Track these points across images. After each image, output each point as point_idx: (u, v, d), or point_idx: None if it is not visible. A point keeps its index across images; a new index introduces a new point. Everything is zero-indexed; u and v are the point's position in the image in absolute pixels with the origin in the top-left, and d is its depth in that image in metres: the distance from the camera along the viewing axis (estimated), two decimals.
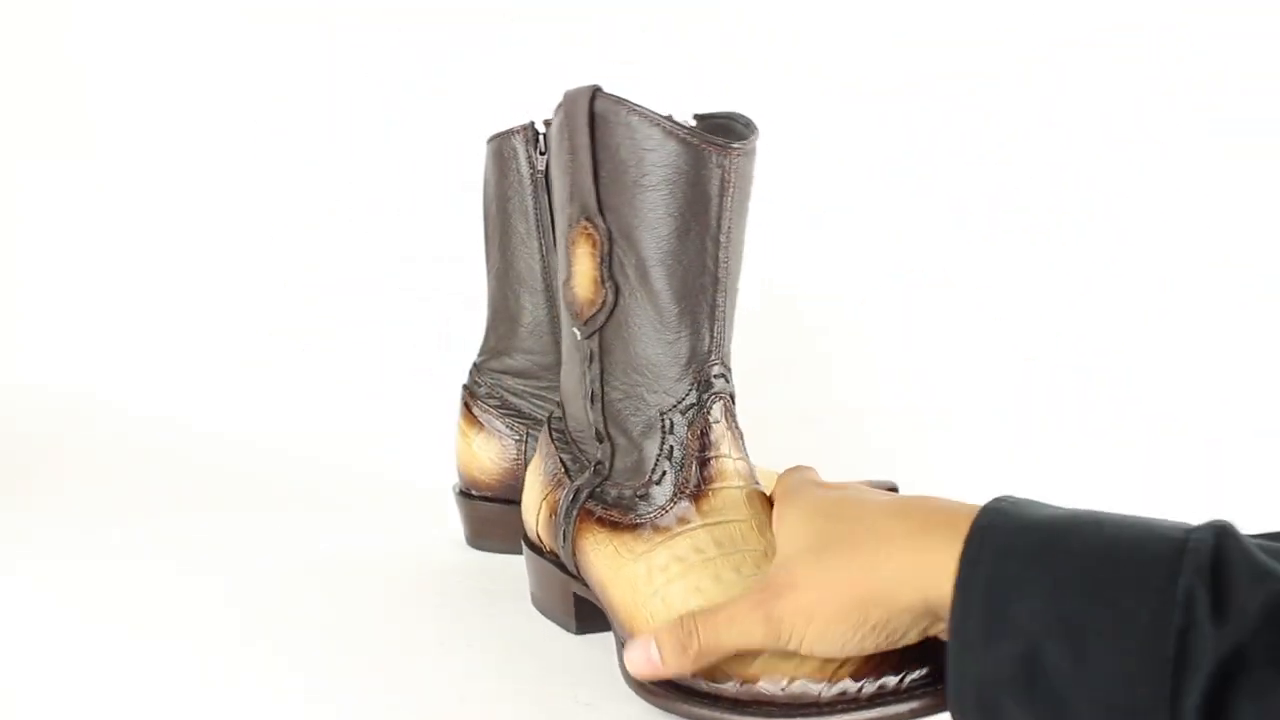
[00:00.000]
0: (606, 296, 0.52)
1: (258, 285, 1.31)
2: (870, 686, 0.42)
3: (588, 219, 0.52)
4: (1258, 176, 0.91)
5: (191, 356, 1.30)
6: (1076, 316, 0.95)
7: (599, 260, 0.52)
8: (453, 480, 0.80)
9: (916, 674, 0.42)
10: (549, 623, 0.60)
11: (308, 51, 1.26)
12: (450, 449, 0.79)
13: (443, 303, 1.15)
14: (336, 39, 1.24)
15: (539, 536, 0.60)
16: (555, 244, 0.60)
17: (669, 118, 0.50)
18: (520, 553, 0.75)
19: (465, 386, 0.78)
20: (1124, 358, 0.94)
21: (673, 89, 0.97)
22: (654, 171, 0.49)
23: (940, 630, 0.41)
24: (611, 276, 0.52)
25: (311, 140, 1.27)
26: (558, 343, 0.75)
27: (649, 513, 0.51)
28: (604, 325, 0.53)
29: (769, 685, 0.44)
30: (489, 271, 0.78)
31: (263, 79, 1.29)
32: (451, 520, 0.80)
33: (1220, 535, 0.34)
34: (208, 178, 1.34)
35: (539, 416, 0.76)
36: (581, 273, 0.53)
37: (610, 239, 0.51)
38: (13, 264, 1.42)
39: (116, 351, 1.33)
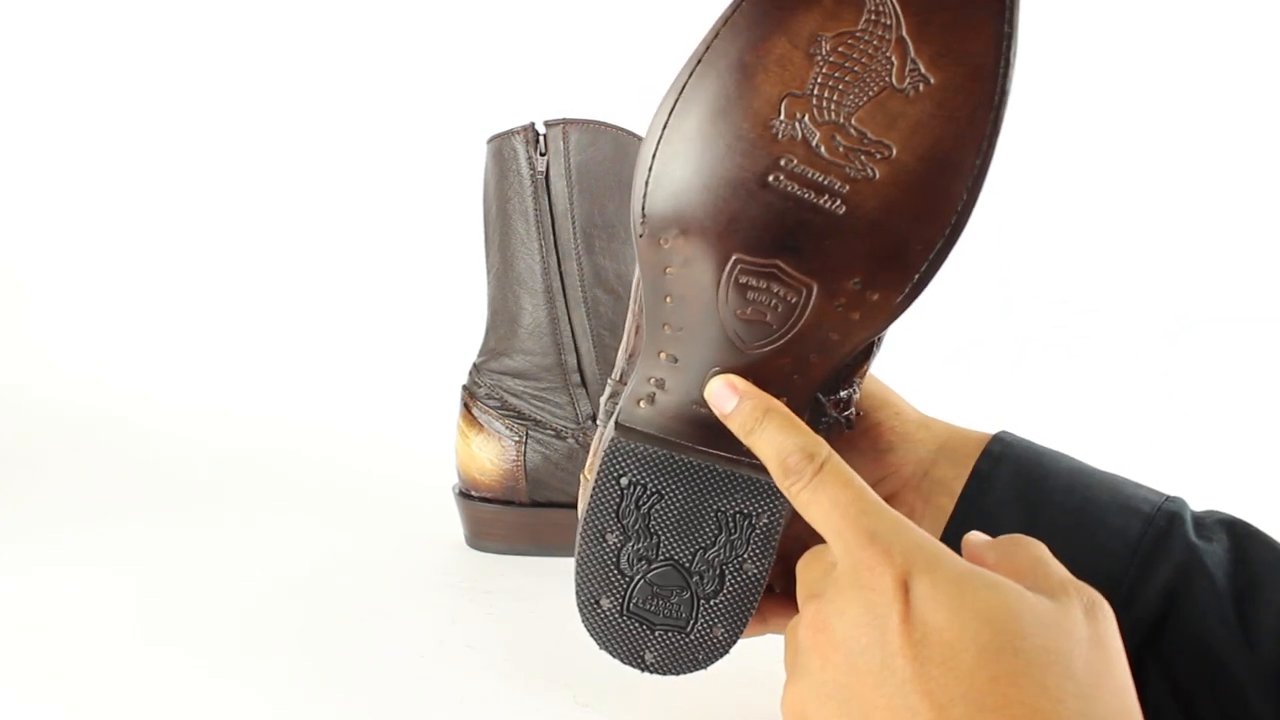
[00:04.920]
0: None
1: (257, 286, 1.31)
2: None
3: None
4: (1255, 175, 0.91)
5: (190, 357, 1.30)
6: (1076, 314, 0.96)
7: None
8: (453, 480, 0.80)
9: None
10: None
11: (308, 52, 1.26)
12: (450, 449, 0.80)
13: (443, 303, 1.15)
14: (338, 38, 1.24)
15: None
16: None
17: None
18: (520, 553, 0.76)
19: (465, 387, 0.79)
20: (1124, 353, 0.94)
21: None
22: None
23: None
24: None
25: (310, 141, 1.27)
26: (557, 343, 0.75)
27: None
28: None
29: None
30: (489, 272, 0.78)
31: (260, 80, 1.29)
32: (451, 520, 0.80)
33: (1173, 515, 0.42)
34: (204, 178, 1.34)
35: (538, 417, 0.76)
36: None
37: None
38: (12, 264, 1.43)
39: (114, 352, 1.33)
